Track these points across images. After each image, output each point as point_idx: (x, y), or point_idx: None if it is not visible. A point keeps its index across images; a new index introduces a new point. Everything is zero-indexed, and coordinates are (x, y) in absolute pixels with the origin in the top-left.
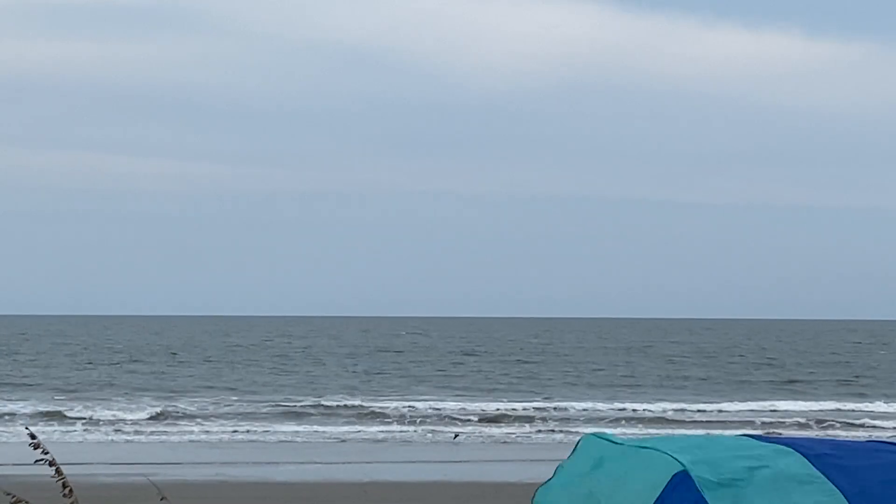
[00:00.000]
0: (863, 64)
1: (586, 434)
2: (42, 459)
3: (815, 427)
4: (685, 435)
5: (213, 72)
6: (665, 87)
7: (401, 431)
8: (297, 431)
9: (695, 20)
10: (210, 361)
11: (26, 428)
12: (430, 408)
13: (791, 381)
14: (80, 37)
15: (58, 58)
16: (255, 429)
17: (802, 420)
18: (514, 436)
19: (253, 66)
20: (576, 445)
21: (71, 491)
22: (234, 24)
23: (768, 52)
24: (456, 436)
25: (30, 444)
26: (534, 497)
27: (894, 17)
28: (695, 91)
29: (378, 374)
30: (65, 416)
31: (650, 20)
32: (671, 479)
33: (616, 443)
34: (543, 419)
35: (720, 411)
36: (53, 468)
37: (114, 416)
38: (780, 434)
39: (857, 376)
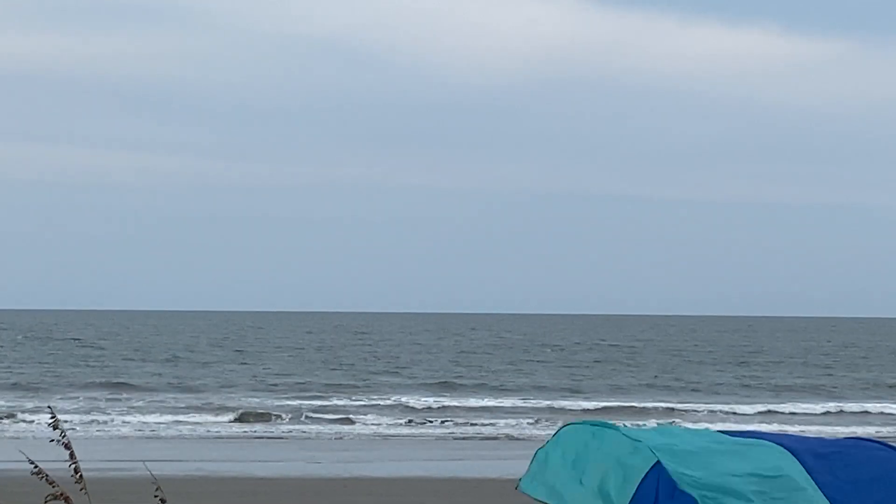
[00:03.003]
0: (841, 61)
1: (569, 423)
2: (59, 441)
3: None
4: (663, 426)
5: (195, 66)
6: (647, 83)
7: (383, 427)
8: (278, 428)
9: (675, 17)
10: (184, 357)
11: (49, 408)
12: (411, 404)
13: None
14: (60, 31)
15: (39, 52)
16: (235, 424)
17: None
18: (493, 430)
19: (235, 61)
20: (557, 432)
21: (81, 476)
22: (218, 19)
23: (747, 49)
24: None
25: (49, 424)
26: (518, 484)
27: (870, 14)
28: (676, 88)
29: (359, 370)
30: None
31: (631, 17)
32: (649, 470)
33: (597, 427)
34: (527, 415)
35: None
36: (68, 451)
37: (90, 411)
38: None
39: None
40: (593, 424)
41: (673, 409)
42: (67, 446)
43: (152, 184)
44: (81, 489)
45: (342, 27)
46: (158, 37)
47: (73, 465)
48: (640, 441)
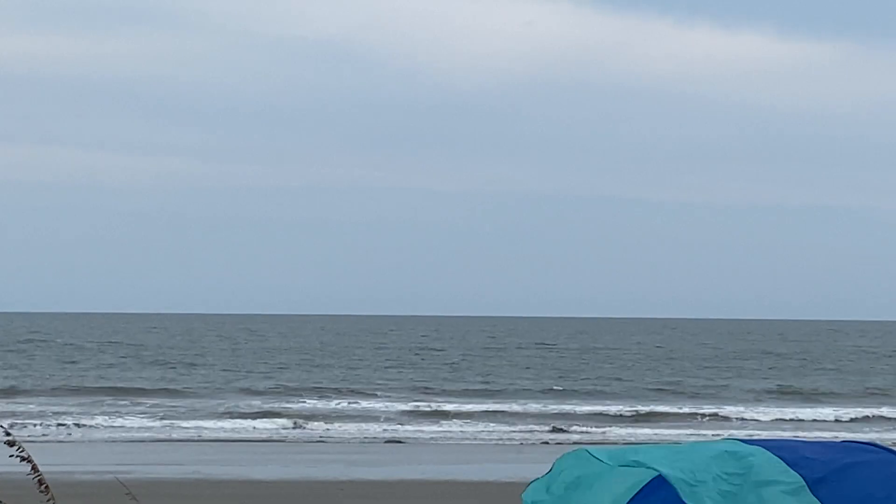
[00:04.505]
0: (837, 63)
1: (568, 452)
2: (17, 456)
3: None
4: (666, 444)
5: (189, 68)
6: (641, 86)
7: (379, 430)
8: (272, 430)
9: (671, 20)
10: (180, 360)
11: (2, 427)
12: (408, 407)
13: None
14: (56, 32)
15: (34, 53)
16: (230, 427)
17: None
18: (490, 435)
19: (228, 63)
20: (555, 463)
21: (47, 488)
22: (211, 21)
23: (743, 52)
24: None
25: (5, 442)
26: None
27: (865, 17)
28: (671, 90)
29: (354, 373)
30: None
31: (628, 20)
32: (648, 482)
33: (598, 459)
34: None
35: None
36: (30, 465)
37: (89, 415)
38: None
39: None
40: (592, 454)
41: (667, 413)
42: (28, 460)
43: (146, 186)
44: (48, 499)
45: (336, 29)
46: (154, 38)
47: (38, 477)
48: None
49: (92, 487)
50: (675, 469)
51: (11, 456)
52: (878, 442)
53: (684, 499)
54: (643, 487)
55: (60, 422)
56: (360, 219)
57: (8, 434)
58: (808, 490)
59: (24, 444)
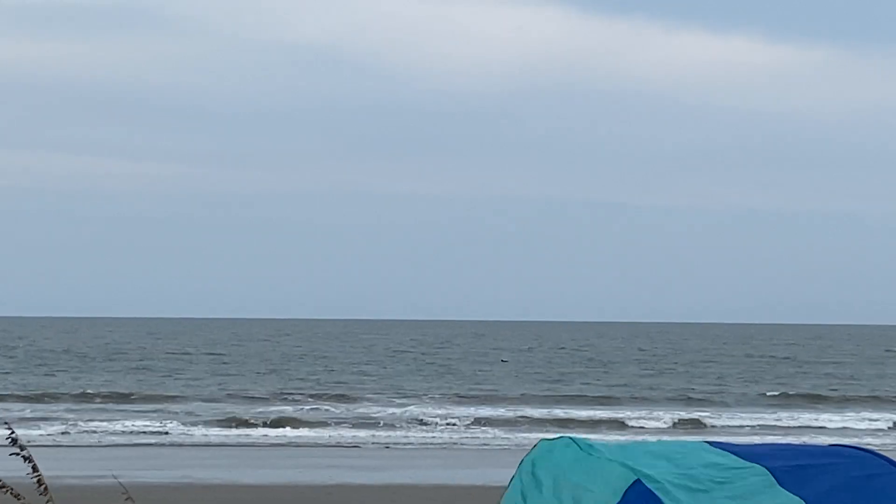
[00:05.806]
0: (826, 67)
1: (545, 439)
2: (18, 454)
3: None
4: (644, 441)
5: (183, 73)
6: (632, 90)
7: (367, 435)
8: (264, 435)
9: (660, 25)
10: (165, 364)
11: (5, 423)
12: (396, 412)
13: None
14: (48, 37)
15: (26, 58)
16: (222, 432)
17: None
18: (481, 439)
19: (222, 68)
20: (533, 448)
21: (46, 489)
22: (209, 25)
23: (733, 56)
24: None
25: (8, 439)
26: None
27: (855, 22)
28: (662, 95)
29: (342, 378)
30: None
31: (617, 25)
32: (628, 488)
33: (579, 447)
34: (505, 423)
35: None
36: (30, 465)
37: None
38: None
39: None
40: (571, 441)
41: (659, 417)
42: (28, 459)
43: (140, 190)
44: (48, 501)
45: (329, 34)
46: (151, 44)
47: (37, 477)
48: (616, 460)
49: (84, 491)
50: (653, 471)
51: (12, 455)
52: (868, 447)
53: (664, 499)
54: (625, 493)
55: (51, 426)
56: (353, 223)
57: (12, 431)
58: (781, 486)
59: (16, 446)
